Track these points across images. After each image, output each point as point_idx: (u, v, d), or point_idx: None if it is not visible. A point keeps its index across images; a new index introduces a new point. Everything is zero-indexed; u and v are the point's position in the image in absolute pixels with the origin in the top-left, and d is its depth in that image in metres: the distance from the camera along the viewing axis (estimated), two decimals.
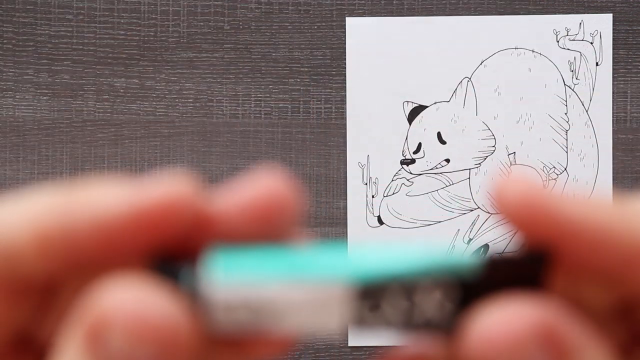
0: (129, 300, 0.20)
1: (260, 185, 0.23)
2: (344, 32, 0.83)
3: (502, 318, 0.21)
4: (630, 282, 0.22)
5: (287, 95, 0.83)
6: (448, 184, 0.83)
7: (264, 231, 0.23)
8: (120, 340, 0.20)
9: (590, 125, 0.83)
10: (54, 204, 0.22)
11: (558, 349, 0.21)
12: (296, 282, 0.23)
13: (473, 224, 0.82)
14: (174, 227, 0.22)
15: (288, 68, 0.83)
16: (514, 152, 0.82)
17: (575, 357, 0.21)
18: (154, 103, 0.83)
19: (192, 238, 0.22)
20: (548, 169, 0.83)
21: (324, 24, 0.83)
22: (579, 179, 0.83)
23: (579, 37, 0.82)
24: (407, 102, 0.83)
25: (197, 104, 0.83)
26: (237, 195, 0.23)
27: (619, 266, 0.22)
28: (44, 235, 0.21)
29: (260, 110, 0.83)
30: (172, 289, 0.21)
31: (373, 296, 0.23)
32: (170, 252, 0.22)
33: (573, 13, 0.82)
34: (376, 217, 0.82)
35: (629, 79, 0.82)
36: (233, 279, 0.22)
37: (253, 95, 0.83)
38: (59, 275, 0.22)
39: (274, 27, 0.83)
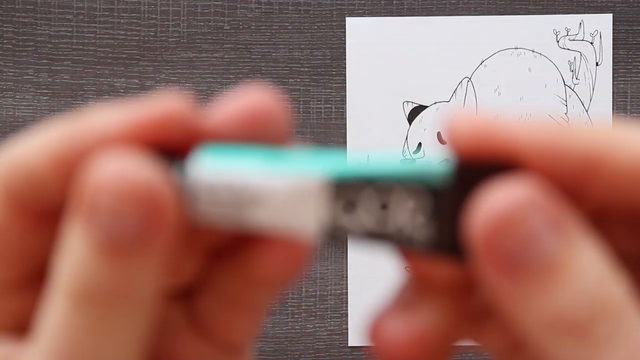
0: (119, 166, 0.23)
1: (248, 98, 0.25)
2: (344, 32, 0.83)
3: (501, 194, 0.23)
4: (592, 192, 0.24)
5: (287, 95, 0.83)
6: None
7: (252, 140, 0.25)
8: (109, 201, 0.23)
9: (592, 124, 0.82)
10: (64, 129, 0.25)
11: (555, 216, 0.23)
12: (275, 173, 0.24)
13: None
14: (169, 136, 0.25)
15: (288, 68, 0.83)
16: None
17: (568, 225, 0.23)
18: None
19: (185, 147, 0.25)
20: None
21: (324, 24, 0.83)
22: None
23: (579, 37, 0.82)
24: (407, 102, 0.83)
25: (198, 104, 0.83)
26: (227, 107, 0.26)
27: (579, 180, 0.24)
28: (59, 156, 0.24)
29: None
30: (162, 170, 0.23)
31: (347, 195, 0.24)
32: (165, 153, 0.24)
33: (573, 13, 0.82)
34: None
35: (628, 79, 0.83)
36: (216, 165, 0.24)
37: None
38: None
39: (274, 27, 0.83)
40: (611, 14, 0.82)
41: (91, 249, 0.24)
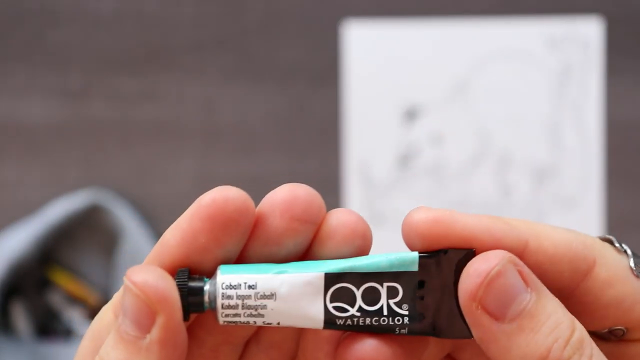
0: (138, 278, 0.30)
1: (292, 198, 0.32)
2: (344, 35, 0.83)
3: (484, 257, 0.31)
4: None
5: (287, 97, 0.83)
6: (445, 185, 0.83)
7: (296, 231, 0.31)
8: (127, 299, 0.30)
9: (582, 127, 0.82)
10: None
11: (526, 274, 0.31)
12: (284, 272, 0.30)
13: None
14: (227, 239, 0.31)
15: (289, 73, 0.83)
16: (509, 153, 0.82)
17: (535, 282, 0.31)
18: (160, 104, 0.84)
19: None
20: (542, 170, 0.83)
21: (323, 27, 0.83)
22: (572, 179, 0.83)
23: (572, 39, 0.82)
24: (405, 103, 0.82)
25: (202, 107, 0.84)
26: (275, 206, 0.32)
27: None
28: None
29: (262, 113, 0.83)
30: (169, 281, 0.30)
31: (340, 281, 0.30)
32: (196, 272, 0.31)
33: (565, 16, 0.82)
34: (376, 218, 0.83)
35: (620, 81, 0.82)
36: (237, 273, 0.30)
37: (255, 98, 0.83)
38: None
39: (275, 31, 0.83)
40: (603, 17, 0.82)
41: (112, 336, 0.31)
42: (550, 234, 0.33)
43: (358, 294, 0.30)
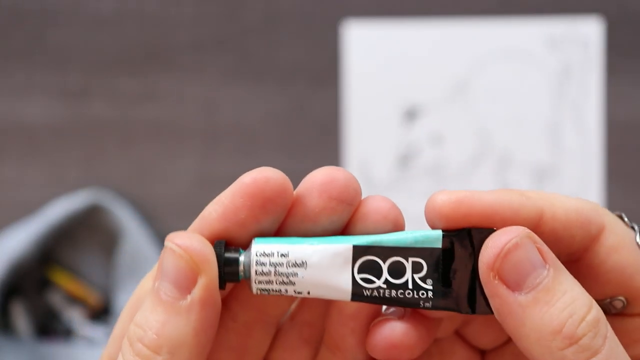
0: (180, 242, 0.32)
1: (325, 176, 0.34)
2: (344, 35, 0.83)
3: (507, 232, 0.32)
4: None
5: (288, 98, 0.83)
6: (445, 185, 0.83)
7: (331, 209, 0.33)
8: (167, 261, 0.32)
9: (582, 128, 0.82)
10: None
11: (543, 249, 0.32)
12: (310, 245, 0.32)
13: None
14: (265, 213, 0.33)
15: (289, 72, 0.83)
16: (509, 154, 0.83)
17: (551, 257, 0.32)
18: (161, 105, 0.84)
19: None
20: (542, 170, 0.83)
21: (323, 27, 0.83)
22: (572, 180, 0.83)
23: (572, 40, 0.82)
24: (405, 103, 0.83)
25: (202, 107, 0.84)
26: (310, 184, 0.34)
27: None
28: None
29: (263, 113, 0.83)
30: (207, 246, 0.32)
31: (367, 254, 0.32)
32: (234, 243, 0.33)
33: (566, 16, 0.82)
34: None
35: (620, 81, 0.82)
36: (270, 243, 0.32)
37: (255, 99, 0.83)
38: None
39: (275, 31, 0.83)
40: (603, 17, 0.82)
41: (149, 300, 0.32)
42: (564, 202, 0.34)
43: (384, 266, 0.32)
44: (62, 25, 0.83)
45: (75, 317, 0.82)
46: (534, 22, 0.82)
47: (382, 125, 0.83)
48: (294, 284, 0.32)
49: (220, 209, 0.34)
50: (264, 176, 0.34)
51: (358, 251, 0.32)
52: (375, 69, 0.83)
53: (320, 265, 0.32)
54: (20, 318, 0.81)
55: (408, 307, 0.32)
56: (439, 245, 0.32)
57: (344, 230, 0.33)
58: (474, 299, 0.32)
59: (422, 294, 0.32)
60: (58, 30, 0.83)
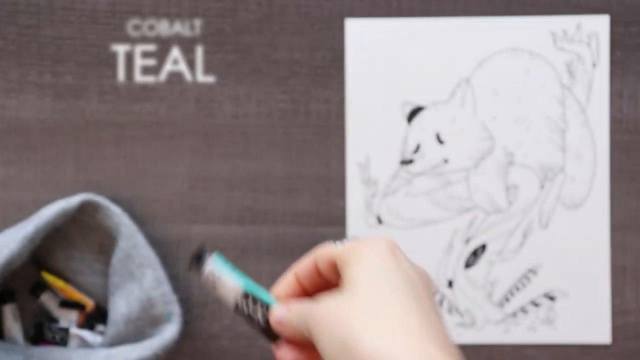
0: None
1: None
2: (344, 34, 0.83)
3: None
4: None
5: (287, 96, 0.83)
6: (447, 184, 0.83)
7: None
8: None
9: (587, 126, 0.82)
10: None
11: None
12: (226, 277, 0.55)
13: (471, 223, 0.83)
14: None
15: (288, 69, 0.83)
16: (512, 153, 0.82)
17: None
18: (156, 104, 0.83)
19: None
20: (545, 169, 0.83)
21: (324, 25, 0.83)
22: (575, 179, 0.83)
23: (576, 38, 0.82)
24: (406, 102, 0.82)
25: (199, 105, 0.83)
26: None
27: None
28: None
29: (261, 111, 0.83)
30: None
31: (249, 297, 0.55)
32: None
33: (570, 14, 0.82)
34: (376, 217, 0.82)
35: (625, 80, 0.82)
36: (214, 264, 0.56)
37: (254, 96, 0.83)
38: None
39: (274, 29, 0.83)
40: (608, 16, 0.82)
41: None
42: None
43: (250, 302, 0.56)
44: (56, 23, 0.83)
45: (69, 320, 0.81)
46: (540, 20, 0.82)
47: (383, 124, 0.82)
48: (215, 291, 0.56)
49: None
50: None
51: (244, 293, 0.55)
52: (377, 68, 0.82)
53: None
54: (14, 322, 0.81)
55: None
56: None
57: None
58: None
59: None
60: (52, 28, 0.83)
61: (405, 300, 0.49)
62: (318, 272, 0.54)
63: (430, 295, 0.51)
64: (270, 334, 0.54)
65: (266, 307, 0.54)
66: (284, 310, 0.53)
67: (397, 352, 0.46)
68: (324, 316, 0.50)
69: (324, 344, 0.49)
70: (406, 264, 0.51)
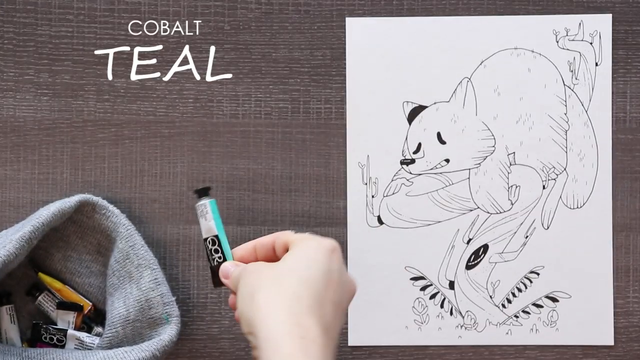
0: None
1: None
2: (344, 33, 0.83)
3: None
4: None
5: (287, 96, 0.83)
6: (448, 184, 0.82)
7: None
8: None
9: (590, 125, 0.82)
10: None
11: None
12: (210, 216, 0.72)
13: (473, 223, 0.82)
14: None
15: (288, 68, 0.83)
16: (514, 152, 0.82)
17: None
18: (154, 103, 0.83)
19: None
20: (548, 169, 0.82)
21: (323, 24, 0.83)
22: (578, 178, 0.82)
23: (579, 37, 0.82)
24: (407, 102, 0.82)
25: (197, 104, 0.83)
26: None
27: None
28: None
29: (260, 111, 0.83)
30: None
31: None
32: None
33: (572, 13, 0.82)
34: (376, 217, 0.82)
35: (628, 79, 0.82)
36: (210, 204, 0.73)
37: (253, 96, 0.83)
38: None
39: (274, 27, 0.83)
40: (610, 14, 0.82)
41: None
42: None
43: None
44: (54, 21, 0.83)
45: (66, 322, 0.81)
46: (542, 18, 0.82)
47: (384, 123, 0.82)
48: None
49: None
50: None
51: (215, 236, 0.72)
52: (377, 66, 0.82)
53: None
54: (10, 323, 0.81)
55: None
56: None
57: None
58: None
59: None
60: (49, 27, 0.83)
61: (312, 282, 0.62)
62: (273, 249, 0.68)
63: (342, 297, 0.64)
64: (216, 277, 0.71)
65: (223, 257, 0.71)
66: (232, 265, 0.69)
67: (280, 312, 0.60)
68: (251, 271, 0.65)
69: (240, 292, 0.64)
70: (335, 265, 0.64)
